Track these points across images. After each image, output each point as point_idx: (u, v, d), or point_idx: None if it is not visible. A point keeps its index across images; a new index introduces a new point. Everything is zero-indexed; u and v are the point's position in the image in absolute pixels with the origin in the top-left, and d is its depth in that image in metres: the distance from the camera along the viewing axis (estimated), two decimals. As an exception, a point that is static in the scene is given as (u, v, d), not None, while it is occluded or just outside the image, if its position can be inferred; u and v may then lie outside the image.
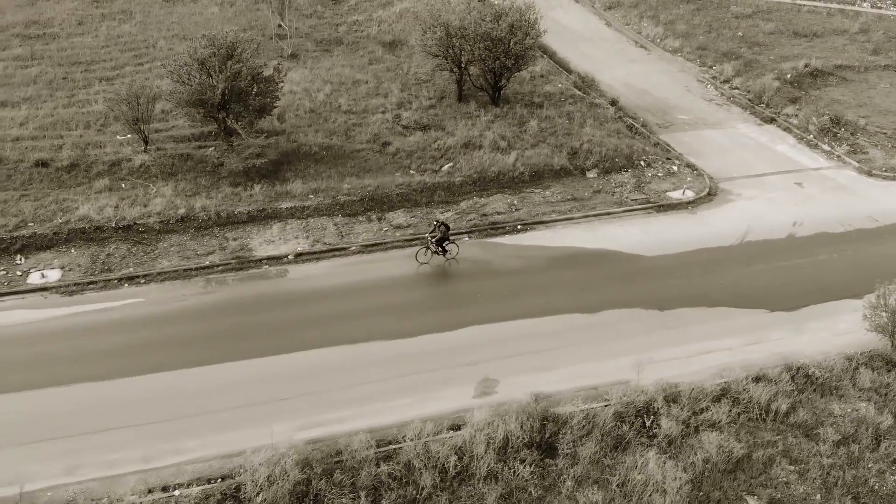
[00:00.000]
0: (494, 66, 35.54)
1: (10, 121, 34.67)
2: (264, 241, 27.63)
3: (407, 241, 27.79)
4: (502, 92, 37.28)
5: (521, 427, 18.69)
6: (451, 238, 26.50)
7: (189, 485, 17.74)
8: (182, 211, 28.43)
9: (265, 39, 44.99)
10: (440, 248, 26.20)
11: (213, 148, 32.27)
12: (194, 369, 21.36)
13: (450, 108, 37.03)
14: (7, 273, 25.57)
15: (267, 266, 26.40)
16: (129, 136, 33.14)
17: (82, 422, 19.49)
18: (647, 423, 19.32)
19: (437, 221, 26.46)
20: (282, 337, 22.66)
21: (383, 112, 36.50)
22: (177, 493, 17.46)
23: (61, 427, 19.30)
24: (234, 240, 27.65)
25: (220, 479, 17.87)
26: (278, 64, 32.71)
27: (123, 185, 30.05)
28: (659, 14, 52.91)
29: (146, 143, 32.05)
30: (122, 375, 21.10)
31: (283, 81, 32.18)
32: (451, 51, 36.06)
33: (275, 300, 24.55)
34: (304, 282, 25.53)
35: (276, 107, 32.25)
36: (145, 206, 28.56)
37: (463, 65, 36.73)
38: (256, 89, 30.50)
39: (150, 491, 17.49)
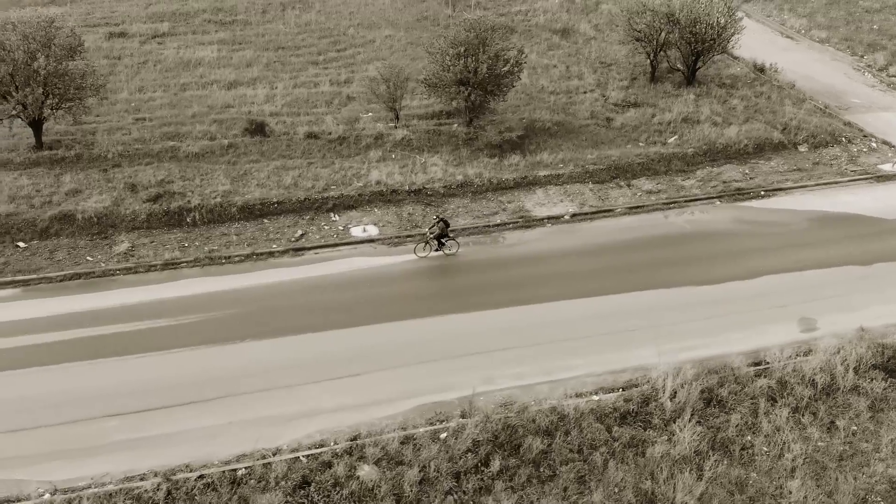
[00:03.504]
0: (699, 49, 38.59)
1: (254, 97, 37.99)
2: (536, 204, 30.73)
3: (665, 204, 30.90)
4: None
5: (868, 351, 21.72)
6: (451, 234, 27.24)
7: (594, 393, 20.91)
8: (460, 178, 31.59)
9: (438, 28, 48.24)
10: (439, 244, 27.05)
11: (456, 124, 35.39)
12: (543, 304, 24.53)
13: (645, 88, 40.08)
14: (330, 228, 28.84)
15: (549, 224, 29.54)
16: (370, 113, 36.38)
17: (473, 343, 22.71)
18: (968, 350, 22.33)
19: (437, 217, 27.31)
20: (605, 280, 25.84)
21: (585, 92, 39.61)
22: (596, 397, 20.59)
23: (460, 347, 22.52)
24: (509, 202, 30.79)
25: (621, 389, 21.00)
26: (521, 47, 35.73)
27: (393, 156, 33.23)
28: (796, 7, 55.78)
29: (397, 118, 35.23)
30: (477, 309, 24.31)
31: (525, 62, 35.27)
32: (653, 34, 39.10)
33: (578, 251, 27.66)
34: (595, 236, 28.64)
35: (514, 86, 35.38)
36: (425, 172, 31.76)
37: (659, 48, 39.76)
38: (505, 70, 33.64)
39: (570, 396, 20.63)
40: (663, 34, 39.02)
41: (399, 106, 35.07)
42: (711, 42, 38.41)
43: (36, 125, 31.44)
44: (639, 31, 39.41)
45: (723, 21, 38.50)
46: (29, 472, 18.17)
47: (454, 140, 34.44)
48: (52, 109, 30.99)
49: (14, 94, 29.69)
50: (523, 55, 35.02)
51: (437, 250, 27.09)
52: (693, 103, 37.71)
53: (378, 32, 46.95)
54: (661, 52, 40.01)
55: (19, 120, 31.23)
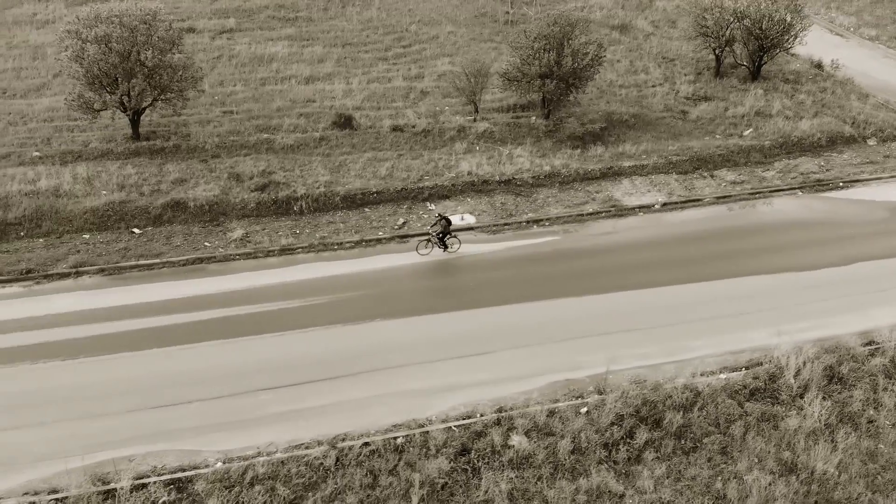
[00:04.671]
0: (766, 45, 39.49)
1: (332, 92, 38.92)
2: (624, 193, 31.64)
3: (750, 193, 31.81)
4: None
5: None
6: (452, 232, 27.28)
7: (720, 371, 21.82)
8: (547, 168, 32.52)
9: (497, 24, 49.19)
10: (441, 242, 27.14)
11: (534, 117, 36.35)
12: (653, 289, 25.53)
13: (711, 83, 40.94)
14: (428, 216, 29.74)
15: (641, 213, 30.46)
16: (446, 108, 37.31)
17: (594, 325, 23.68)
18: None
19: (439, 216, 27.33)
20: (708, 266, 26.75)
21: (653, 86, 40.53)
22: (723, 375, 21.50)
23: (582, 328, 23.51)
24: (597, 192, 31.72)
25: (744, 368, 21.92)
26: (601, 41, 36.62)
27: (477, 148, 34.16)
28: (843, 5, 56.66)
29: (476, 111, 36.18)
30: (590, 293, 25.26)
31: (605, 57, 36.20)
32: (720, 30, 39.99)
33: (677, 239, 28.59)
34: (689, 224, 29.61)
35: (593, 79, 36.28)
36: (512, 163, 32.68)
37: (725, 43, 40.63)
38: (585, 63, 34.58)
39: (697, 375, 21.55)
40: (730, 30, 39.96)
41: (479, 99, 36.02)
42: (778, 38, 39.32)
43: (134, 116, 32.41)
44: (706, 27, 40.32)
45: (789, 18, 39.44)
46: (198, 443, 19.14)
47: (534, 132, 35.37)
48: (153, 101, 31.95)
49: (119, 85, 30.62)
50: (603, 49, 35.93)
51: (440, 247, 27.08)
52: (763, 97, 38.64)
53: (439, 29, 47.84)
54: (727, 48, 40.92)
55: (116, 111, 32.24)
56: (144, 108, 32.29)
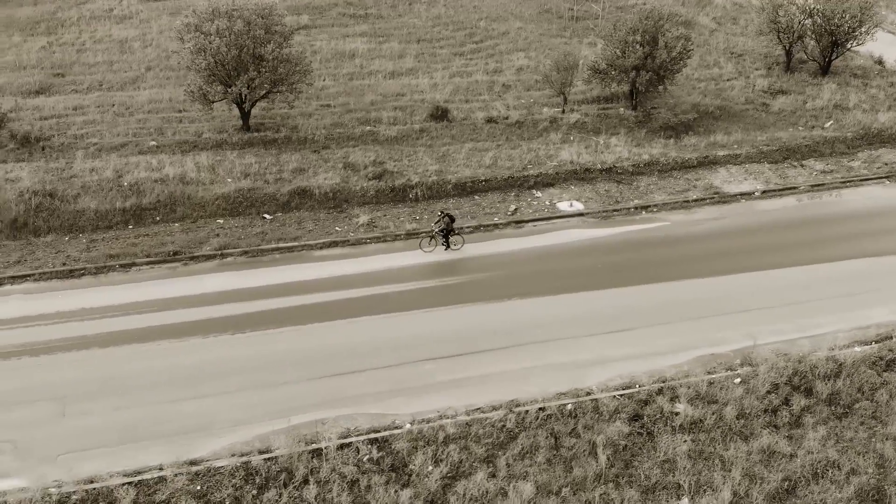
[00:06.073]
0: (839, 40, 40.77)
1: (418, 86, 40.17)
2: (723, 181, 32.88)
3: (842, 182, 33.06)
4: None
5: None
6: (455, 229, 27.52)
7: (853, 345, 23.06)
8: (646, 157, 33.76)
9: (563, 20, 50.48)
10: (444, 239, 27.34)
11: (622, 108, 37.64)
12: (775, 270, 26.76)
13: (783, 77, 42.22)
14: (537, 203, 31.02)
15: (743, 200, 31.70)
16: (532, 101, 38.57)
17: (726, 304, 24.91)
18: None
19: (443, 212, 27.41)
20: (820, 249, 27.96)
21: (728, 80, 41.82)
22: (857, 348, 22.77)
23: (715, 307, 24.75)
24: (697, 180, 32.96)
25: (873, 342, 23.17)
26: (689, 35, 37.87)
27: (571, 137, 35.42)
28: (892, 3, 57.93)
29: (565, 102, 37.44)
30: (717, 274, 26.53)
31: (692, 50, 37.47)
32: (792, 25, 41.27)
33: (784, 224, 29.84)
34: (792, 211, 30.97)
35: (678, 71, 37.55)
36: (610, 152, 33.93)
37: (796, 38, 41.92)
38: (674, 56, 35.85)
39: (832, 348, 22.81)
40: (801, 26, 41.23)
41: (568, 91, 37.29)
42: (850, 34, 40.60)
43: (249, 108, 33.68)
44: (778, 23, 41.58)
45: (859, 16, 40.69)
46: (382, 407, 20.41)
47: (625, 122, 36.65)
48: (266, 93, 33.19)
49: (238, 77, 31.78)
50: (690, 43, 37.19)
51: (443, 245, 27.37)
52: (838, 91, 39.92)
53: (508, 25, 49.08)
54: (799, 43, 42.18)
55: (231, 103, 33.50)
56: (256, 101, 33.58)
